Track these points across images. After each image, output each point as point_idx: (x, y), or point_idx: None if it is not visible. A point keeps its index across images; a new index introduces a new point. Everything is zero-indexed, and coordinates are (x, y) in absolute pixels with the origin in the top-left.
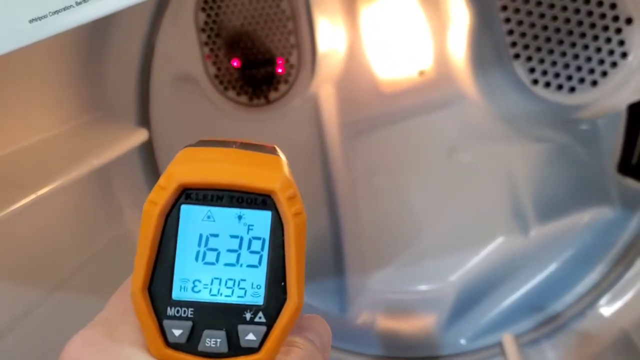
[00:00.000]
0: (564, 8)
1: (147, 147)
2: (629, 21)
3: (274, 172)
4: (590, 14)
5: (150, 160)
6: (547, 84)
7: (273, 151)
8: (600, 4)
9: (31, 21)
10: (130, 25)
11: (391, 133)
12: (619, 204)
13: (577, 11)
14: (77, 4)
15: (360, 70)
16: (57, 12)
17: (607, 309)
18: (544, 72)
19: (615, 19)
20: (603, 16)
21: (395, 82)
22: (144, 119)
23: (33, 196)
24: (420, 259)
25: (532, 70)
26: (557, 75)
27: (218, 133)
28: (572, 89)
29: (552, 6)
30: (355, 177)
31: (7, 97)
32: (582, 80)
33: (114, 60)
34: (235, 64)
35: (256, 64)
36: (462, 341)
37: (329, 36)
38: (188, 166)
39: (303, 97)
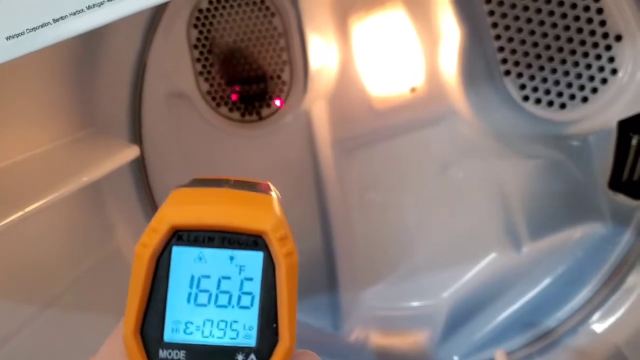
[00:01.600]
0: (554, 25)
1: (139, 164)
2: (618, 38)
3: (265, 213)
4: (580, 31)
5: (142, 177)
6: (538, 101)
7: (266, 189)
8: (589, 21)
9: (8, 38)
10: (123, 41)
11: (384, 149)
12: (610, 220)
13: (567, 28)
14: (55, 21)
15: (353, 87)
16: (34, 29)
17: (599, 325)
18: (535, 89)
19: (605, 35)
20: (593, 33)
21: (387, 99)
22: (136, 136)
23: (21, 213)
24: (413, 275)
25: (522, 86)
26: (547, 91)
27: (210, 149)
28: (563, 106)
29: (542, 23)
30: (348, 193)
31: None
32: (572, 97)
33: (105, 76)
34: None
35: (248, 81)
36: (455, 358)
37: (321, 53)
38: (179, 208)
39: (295, 113)
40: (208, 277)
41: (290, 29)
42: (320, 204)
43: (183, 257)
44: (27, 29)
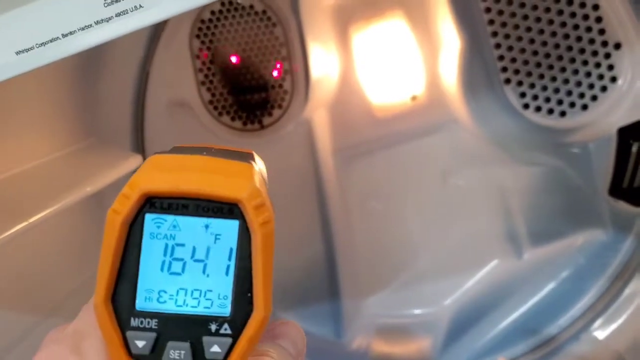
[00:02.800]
0: (554, 34)
1: None
2: (617, 46)
3: (242, 180)
4: (579, 39)
5: None
6: (538, 109)
7: (247, 158)
8: (589, 29)
9: (18, 53)
10: (125, 51)
11: (385, 157)
12: (611, 226)
13: (567, 37)
14: (64, 36)
15: (353, 96)
16: (43, 44)
17: (601, 332)
18: (535, 97)
19: (604, 44)
20: (592, 41)
21: (388, 107)
22: (139, 145)
23: (25, 223)
24: (414, 283)
25: (522, 94)
26: (547, 99)
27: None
28: (563, 113)
29: (541, 32)
30: (349, 201)
31: (0, 123)
32: (572, 105)
33: (108, 86)
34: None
35: (250, 90)
36: None
37: (322, 62)
38: (153, 174)
39: (297, 122)
40: (182, 245)
41: (291, 39)
42: (321, 211)
43: (156, 225)
44: (36, 44)
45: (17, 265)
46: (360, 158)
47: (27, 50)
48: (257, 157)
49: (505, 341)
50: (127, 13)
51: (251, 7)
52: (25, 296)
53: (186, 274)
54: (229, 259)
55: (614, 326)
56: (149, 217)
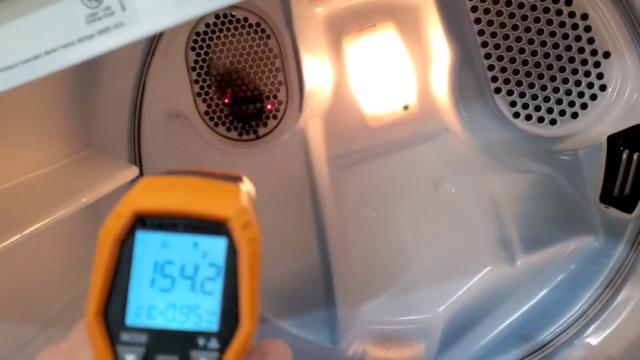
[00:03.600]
0: (543, 43)
1: None
2: (606, 55)
3: (229, 200)
4: (568, 48)
5: None
6: (529, 117)
7: (236, 180)
8: (578, 38)
9: (1, 70)
10: (122, 64)
11: (378, 166)
12: (603, 233)
13: (556, 46)
14: (46, 53)
15: (347, 105)
16: (26, 61)
17: (595, 338)
18: (525, 106)
19: (594, 52)
20: (581, 50)
21: (380, 117)
22: (135, 156)
23: (18, 236)
24: (409, 290)
25: (513, 103)
26: (538, 108)
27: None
28: (553, 122)
29: (531, 41)
30: (344, 209)
31: None
32: (562, 113)
33: (105, 98)
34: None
35: (245, 101)
36: None
37: (316, 73)
38: (145, 194)
39: (291, 132)
40: (172, 262)
41: (285, 50)
42: (316, 219)
43: (147, 243)
44: (19, 61)
45: (14, 276)
46: (354, 166)
47: (10, 67)
48: (246, 180)
49: (499, 347)
50: (108, 30)
51: (245, 19)
52: (22, 307)
53: (175, 291)
54: (217, 276)
55: (607, 332)
56: (140, 235)
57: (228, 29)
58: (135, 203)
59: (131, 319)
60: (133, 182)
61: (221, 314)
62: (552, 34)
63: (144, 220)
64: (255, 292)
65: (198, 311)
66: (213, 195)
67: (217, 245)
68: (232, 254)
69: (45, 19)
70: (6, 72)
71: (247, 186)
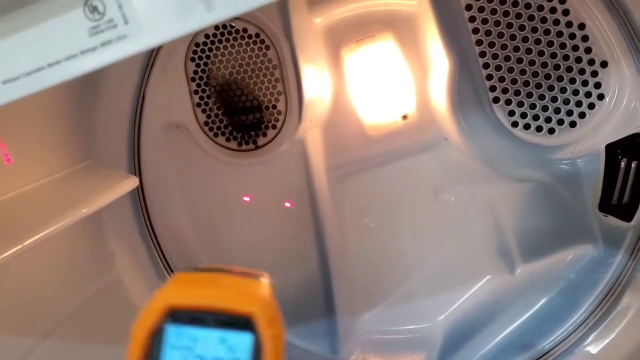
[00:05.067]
0: (541, 53)
1: (138, 193)
2: (604, 64)
3: (255, 296)
4: (566, 57)
5: (141, 206)
6: (527, 126)
7: (261, 276)
8: (575, 48)
9: (4, 82)
10: (121, 75)
11: (377, 175)
12: (602, 241)
13: (554, 55)
14: (49, 65)
15: (346, 115)
16: (29, 73)
17: (594, 346)
18: (524, 115)
19: (591, 62)
20: (579, 60)
21: (379, 126)
22: (135, 166)
23: (20, 246)
24: (408, 299)
25: (511, 113)
26: (536, 117)
27: (208, 178)
28: (552, 131)
29: (529, 51)
30: (343, 219)
31: None
32: (560, 122)
33: (105, 109)
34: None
35: (245, 111)
36: None
37: (315, 83)
38: (176, 289)
39: (290, 141)
40: (200, 357)
41: (284, 61)
42: (316, 229)
43: (176, 337)
44: (22, 73)
45: (14, 287)
46: (353, 176)
47: (14, 79)
48: (267, 276)
49: (499, 356)
50: (111, 43)
51: (245, 30)
52: (22, 318)
53: None
54: None
55: (607, 340)
56: (170, 329)
57: (227, 40)
58: (168, 298)
59: None
60: (133, 191)
61: None
62: (550, 43)
63: (175, 315)
64: None
65: None
66: (239, 291)
67: (243, 341)
68: (257, 349)
69: (48, 32)
70: (9, 85)
71: (269, 281)
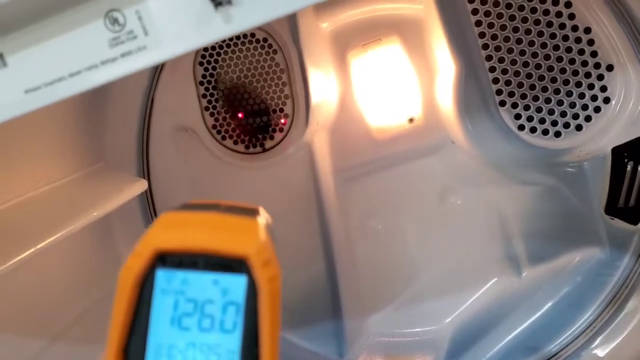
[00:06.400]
0: (547, 56)
1: (147, 196)
2: (610, 68)
3: (249, 237)
4: (572, 61)
5: (150, 209)
6: (533, 130)
7: (254, 213)
8: (581, 52)
9: (27, 92)
10: (131, 79)
11: (384, 178)
12: (608, 244)
13: (560, 59)
14: (70, 75)
15: (352, 118)
16: (50, 83)
17: (602, 350)
18: (530, 118)
19: (597, 66)
20: (585, 64)
21: (386, 129)
22: (144, 169)
23: (32, 249)
24: (415, 301)
25: (517, 116)
26: (542, 121)
27: (216, 181)
28: (558, 134)
29: (535, 55)
30: (350, 221)
31: (9, 150)
32: (567, 125)
33: (114, 113)
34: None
35: (252, 114)
36: None
37: (322, 86)
38: (164, 232)
39: (297, 145)
40: (192, 300)
41: (291, 64)
42: (323, 231)
43: (167, 281)
44: (44, 83)
45: (26, 289)
46: (360, 179)
47: (36, 89)
48: (262, 211)
49: (505, 359)
50: (131, 54)
51: (252, 34)
52: (33, 320)
53: (195, 329)
54: (237, 315)
55: (614, 343)
56: (160, 274)
57: (235, 44)
58: (156, 242)
59: (151, 358)
60: (142, 194)
61: (241, 353)
62: (556, 47)
63: (164, 259)
64: (275, 331)
65: (218, 350)
66: (233, 232)
67: (237, 284)
68: (252, 292)
69: (70, 43)
70: (31, 94)
71: (265, 219)
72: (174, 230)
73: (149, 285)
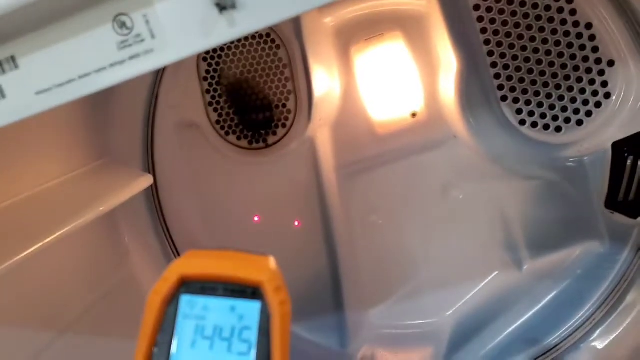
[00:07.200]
0: (548, 52)
1: (152, 191)
2: (611, 63)
3: (262, 267)
4: (573, 57)
5: (155, 203)
6: (534, 125)
7: (265, 254)
8: (582, 47)
9: (37, 93)
10: (135, 77)
11: (386, 173)
12: (608, 238)
13: (561, 55)
14: (80, 77)
15: (355, 114)
16: (61, 85)
17: (601, 342)
18: (531, 113)
19: (598, 61)
20: (586, 59)
21: (388, 124)
22: (149, 164)
23: (40, 244)
24: (416, 294)
25: (519, 111)
26: (543, 115)
27: (220, 176)
28: (559, 129)
29: (536, 51)
30: (352, 216)
31: (16, 146)
32: (567, 120)
33: (119, 110)
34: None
35: (255, 110)
36: None
37: (324, 82)
38: (189, 261)
39: (300, 140)
40: (211, 324)
41: (294, 60)
42: (325, 226)
43: (190, 307)
44: (54, 85)
45: (34, 283)
46: (362, 174)
47: (46, 90)
48: (271, 257)
49: (506, 351)
50: (138, 56)
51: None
52: (42, 313)
53: (214, 351)
54: (251, 337)
55: (613, 336)
56: (184, 298)
57: (239, 40)
58: (181, 268)
59: None
60: (147, 189)
61: None
62: (557, 43)
63: (188, 285)
64: (286, 350)
65: None
66: (247, 263)
67: (252, 309)
68: (265, 316)
69: (79, 46)
70: (41, 95)
71: (274, 260)
72: (197, 261)
73: (173, 309)
